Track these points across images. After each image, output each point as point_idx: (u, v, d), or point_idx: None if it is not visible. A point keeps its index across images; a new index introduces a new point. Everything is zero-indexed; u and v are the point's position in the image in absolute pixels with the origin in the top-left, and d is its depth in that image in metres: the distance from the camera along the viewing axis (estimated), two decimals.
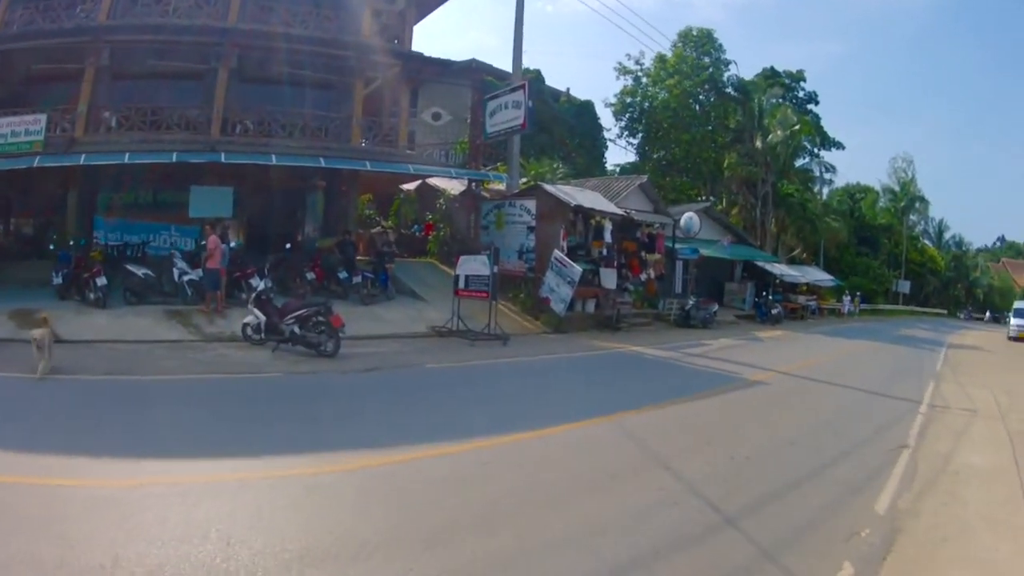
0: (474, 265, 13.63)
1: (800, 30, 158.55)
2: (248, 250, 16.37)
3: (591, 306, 18.41)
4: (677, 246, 24.32)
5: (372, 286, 16.09)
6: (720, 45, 34.84)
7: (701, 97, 34.57)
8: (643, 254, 20.83)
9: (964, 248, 64.49)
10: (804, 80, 38.81)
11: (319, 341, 10.45)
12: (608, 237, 19.12)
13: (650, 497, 5.22)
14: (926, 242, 60.65)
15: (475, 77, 21.22)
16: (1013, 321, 32.34)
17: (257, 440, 6.10)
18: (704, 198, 36.02)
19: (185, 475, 5.06)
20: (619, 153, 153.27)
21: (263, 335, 10.87)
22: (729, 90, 35.71)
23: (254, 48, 16.00)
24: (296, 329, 10.48)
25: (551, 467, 5.89)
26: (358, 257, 17.79)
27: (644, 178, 23.92)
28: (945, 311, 55.88)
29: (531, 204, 18.01)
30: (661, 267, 22.22)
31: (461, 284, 14.03)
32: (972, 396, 11.78)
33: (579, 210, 17.91)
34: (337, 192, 19.35)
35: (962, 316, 55.66)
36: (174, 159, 13.74)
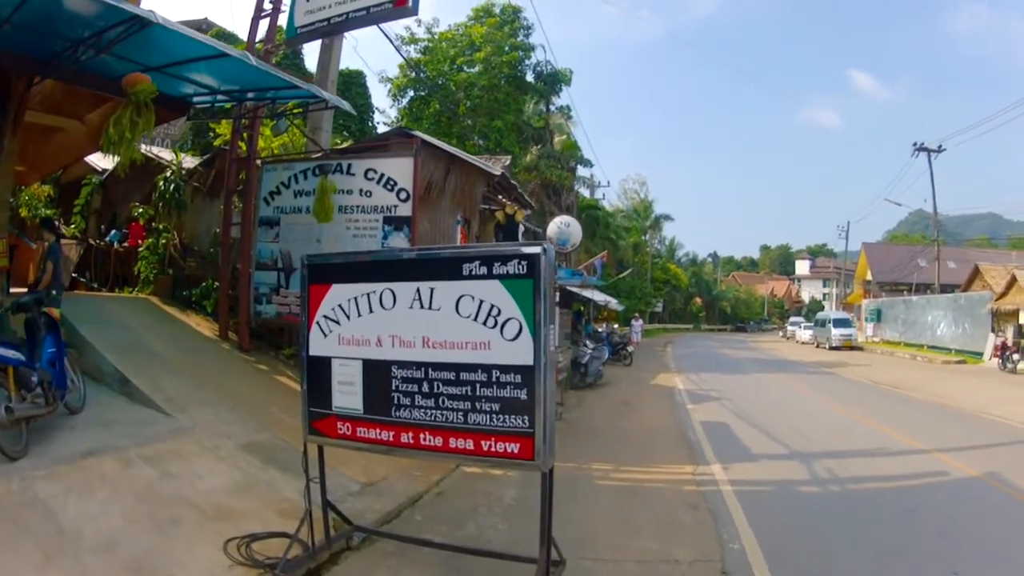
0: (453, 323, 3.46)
1: None
2: None
3: None
4: None
5: (27, 392, 4.63)
6: (530, 25, 28.41)
7: (503, 82, 27.79)
8: None
9: (699, 264, 70.20)
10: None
11: None
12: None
13: None
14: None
15: None
16: (834, 331, 32.71)
17: None
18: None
19: None
20: None
21: None
22: (531, 79, 29.61)
23: None
24: None
25: None
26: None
27: (507, 160, 15.66)
28: (691, 326, 59.33)
29: (400, 168, 8.26)
30: None
31: (351, 398, 3.78)
32: None
33: (501, 187, 8.90)
34: None
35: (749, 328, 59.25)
36: None
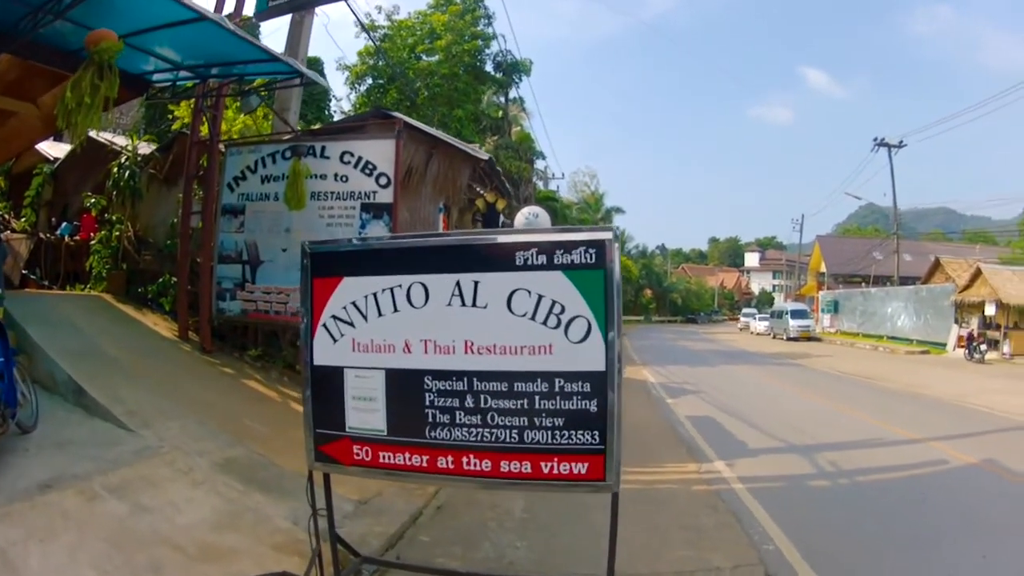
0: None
1: None
2: None
3: None
4: None
5: None
6: (492, 14, 27.67)
7: (463, 71, 27.08)
8: None
9: (649, 256, 70.97)
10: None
11: None
12: None
13: None
14: None
15: None
16: (792, 322, 32.97)
17: None
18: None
19: None
20: None
21: None
22: (491, 69, 29.02)
23: None
24: None
25: None
26: None
27: (477, 147, 15.13)
28: (641, 317, 59.90)
29: (379, 151, 7.66)
30: None
31: (371, 416, 3.16)
32: None
33: (485, 174, 8.39)
34: None
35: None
36: None
